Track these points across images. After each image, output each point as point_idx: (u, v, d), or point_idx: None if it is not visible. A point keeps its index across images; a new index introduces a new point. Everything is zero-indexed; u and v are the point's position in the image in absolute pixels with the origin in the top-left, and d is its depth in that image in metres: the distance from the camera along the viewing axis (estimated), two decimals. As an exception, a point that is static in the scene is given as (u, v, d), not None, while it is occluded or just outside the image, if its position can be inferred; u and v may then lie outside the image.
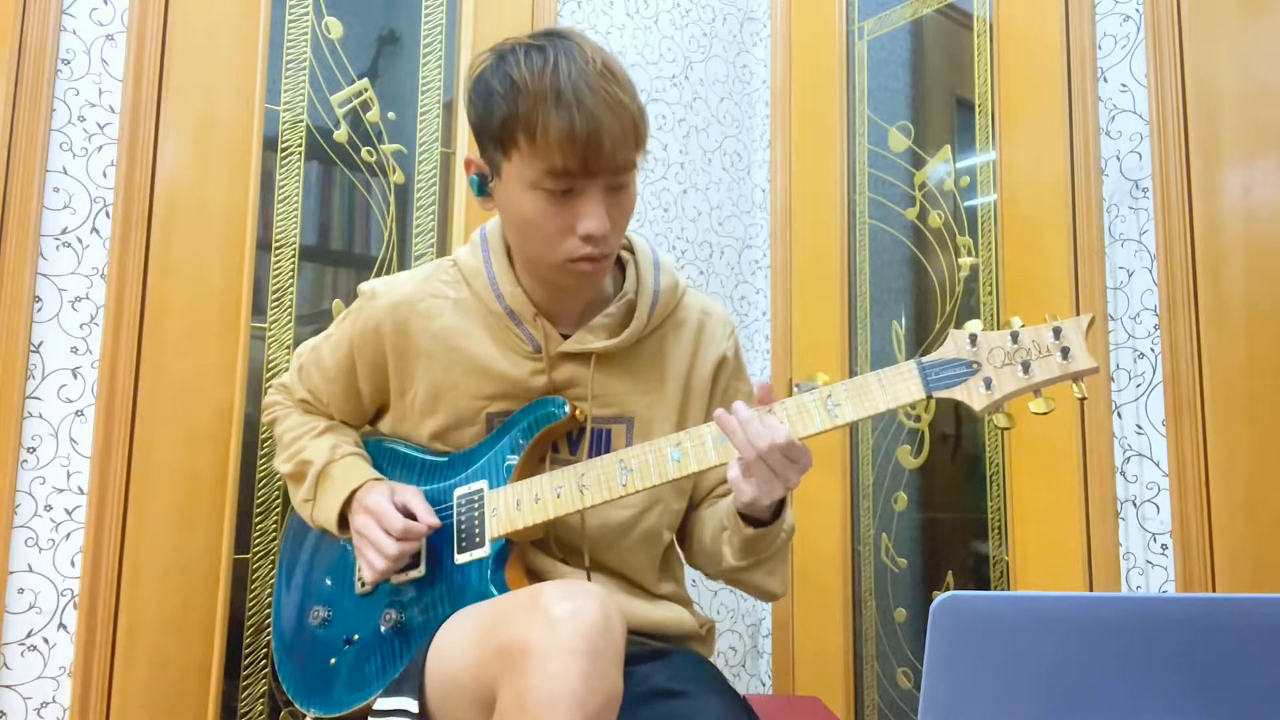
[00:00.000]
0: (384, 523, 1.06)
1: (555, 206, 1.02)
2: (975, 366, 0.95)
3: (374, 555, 1.06)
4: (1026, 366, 0.93)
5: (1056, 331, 0.93)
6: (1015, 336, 0.94)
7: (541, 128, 0.97)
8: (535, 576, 1.11)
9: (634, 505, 1.13)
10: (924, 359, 0.97)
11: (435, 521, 1.08)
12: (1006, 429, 0.97)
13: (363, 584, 1.14)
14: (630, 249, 1.20)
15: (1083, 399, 0.92)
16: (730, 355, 1.22)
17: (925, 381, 0.96)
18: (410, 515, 1.08)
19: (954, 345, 0.96)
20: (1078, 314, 1.55)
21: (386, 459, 1.19)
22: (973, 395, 0.94)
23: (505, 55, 1.03)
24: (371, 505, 1.08)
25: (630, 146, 1.01)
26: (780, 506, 1.06)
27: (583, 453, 1.13)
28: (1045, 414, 0.94)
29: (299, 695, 1.15)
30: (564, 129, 0.96)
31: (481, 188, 1.09)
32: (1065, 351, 0.92)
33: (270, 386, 1.36)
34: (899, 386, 0.96)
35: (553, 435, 1.12)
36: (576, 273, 1.06)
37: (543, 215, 1.02)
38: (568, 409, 1.09)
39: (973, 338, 0.96)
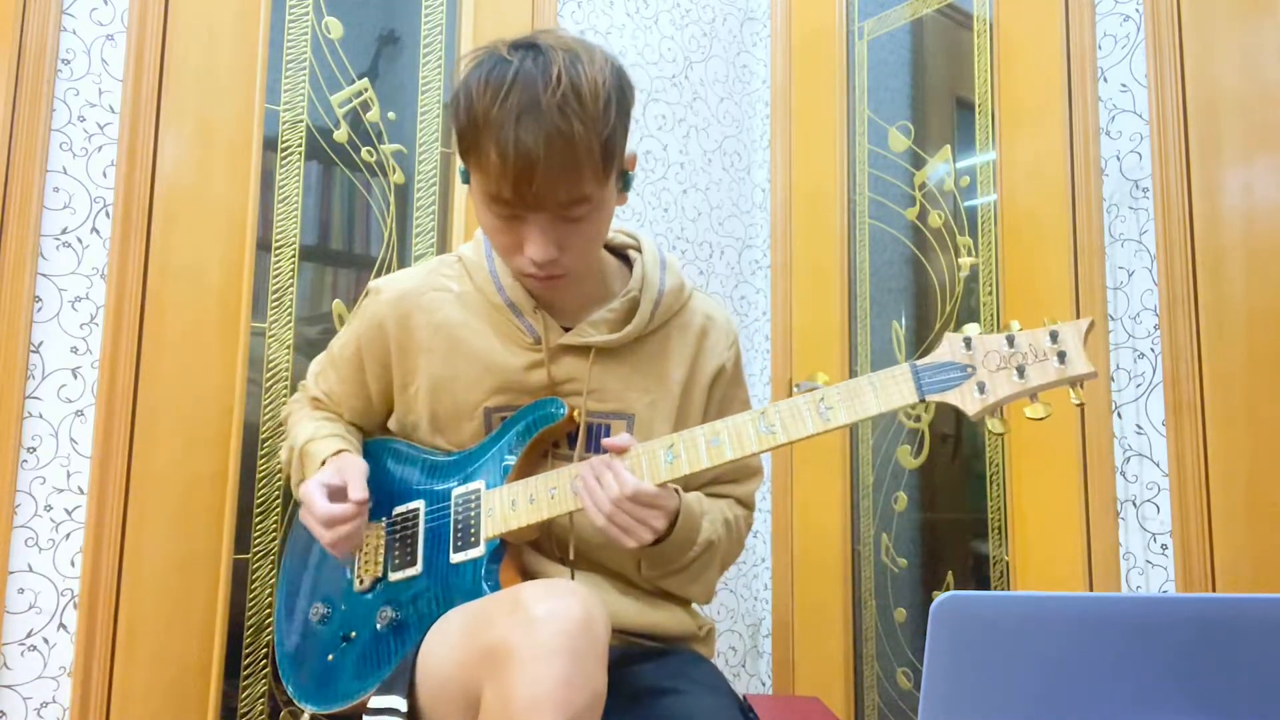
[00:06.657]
0: (312, 511, 1.05)
1: (504, 224, 1.01)
2: (969, 370, 0.93)
3: (325, 543, 1.06)
4: (1022, 371, 0.91)
5: (1053, 335, 0.90)
6: (1011, 340, 0.92)
7: (483, 156, 0.96)
8: (530, 576, 1.11)
9: None
10: (918, 361, 0.95)
11: (361, 497, 1.05)
12: (1001, 434, 0.96)
13: (360, 581, 1.14)
14: (639, 248, 1.20)
15: (1080, 405, 0.90)
16: (729, 366, 1.21)
17: (918, 385, 0.94)
18: (343, 496, 1.07)
19: (949, 348, 0.95)
20: (1078, 315, 1.55)
21: (391, 457, 1.20)
22: (966, 399, 0.92)
23: (475, 68, 0.99)
24: (303, 493, 1.08)
25: (574, 181, 0.96)
26: (675, 517, 1.05)
27: (581, 448, 1.13)
28: (1041, 419, 0.92)
29: (298, 692, 1.15)
30: (498, 164, 0.95)
31: (467, 177, 1.10)
32: (1062, 356, 0.90)
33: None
34: (892, 389, 0.95)
35: (551, 435, 1.13)
36: (534, 284, 1.07)
37: (494, 230, 1.03)
38: (565, 410, 1.10)
39: (967, 341, 0.94)
